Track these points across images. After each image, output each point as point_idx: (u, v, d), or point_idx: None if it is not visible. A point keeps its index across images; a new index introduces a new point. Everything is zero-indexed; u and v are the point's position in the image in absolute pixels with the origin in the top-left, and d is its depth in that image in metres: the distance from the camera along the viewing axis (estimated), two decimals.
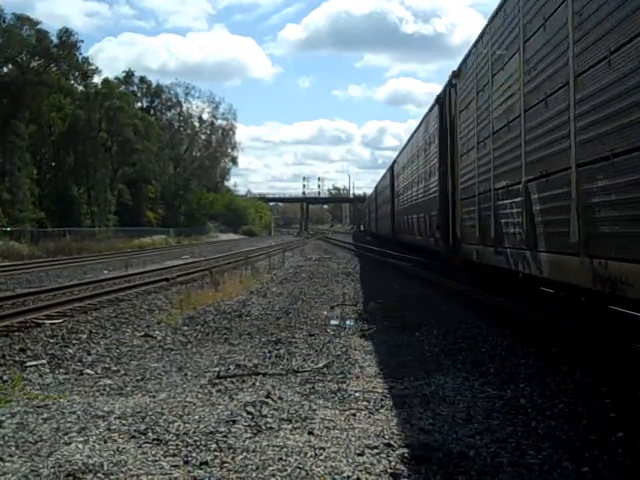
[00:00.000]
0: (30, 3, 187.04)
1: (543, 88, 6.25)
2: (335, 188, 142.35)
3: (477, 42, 9.64)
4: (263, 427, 4.47)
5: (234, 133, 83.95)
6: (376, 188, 44.33)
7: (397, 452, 3.96)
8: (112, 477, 3.63)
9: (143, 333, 8.86)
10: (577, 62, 5.29)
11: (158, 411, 4.89)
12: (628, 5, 4.37)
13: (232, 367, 6.55)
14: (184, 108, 77.98)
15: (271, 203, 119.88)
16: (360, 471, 3.66)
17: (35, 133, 46.42)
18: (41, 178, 47.71)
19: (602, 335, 6.38)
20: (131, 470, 3.71)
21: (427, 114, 16.43)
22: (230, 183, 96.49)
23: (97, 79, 54.67)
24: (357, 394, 5.36)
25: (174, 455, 3.97)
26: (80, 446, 4.10)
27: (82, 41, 55.81)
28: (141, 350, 7.73)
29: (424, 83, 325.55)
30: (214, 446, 4.09)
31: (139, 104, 68.93)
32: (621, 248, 4.54)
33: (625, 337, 6.15)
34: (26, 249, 31.76)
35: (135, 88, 69.93)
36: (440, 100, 13.69)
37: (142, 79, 72.14)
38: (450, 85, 12.15)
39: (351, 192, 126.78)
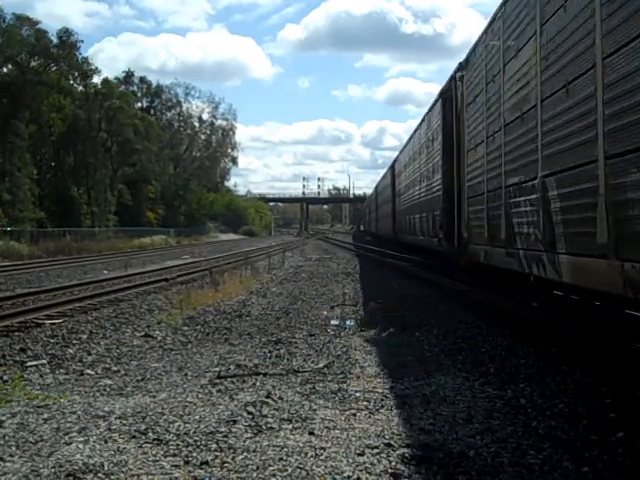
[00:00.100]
0: (30, 3, 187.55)
1: (564, 74, 5.68)
2: (335, 188, 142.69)
3: (487, 29, 9.05)
4: (263, 427, 4.48)
5: (234, 133, 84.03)
6: (376, 188, 44.28)
7: (397, 452, 3.96)
8: (112, 477, 3.63)
9: (143, 333, 8.86)
10: (606, 42, 4.72)
11: (158, 411, 4.89)
12: None
13: (232, 367, 6.55)
14: (184, 108, 78.09)
15: (271, 203, 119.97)
16: (360, 471, 3.66)
17: (35, 133, 46.40)
18: (41, 178, 47.66)
19: (602, 335, 6.37)
20: (131, 470, 3.71)
21: (430, 110, 15.97)
22: (230, 183, 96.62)
23: (97, 79, 54.73)
24: (357, 394, 5.37)
25: (174, 455, 3.97)
26: (80, 446, 4.10)
27: (82, 41, 55.85)
28: (141, 350, 7.74)
29: (424, 83, 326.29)
30: (214, 446, 4.09)
31: (139, 104, 68.95)
32: None
33: (625, 337, 6.13)
34: (26, 249, 31.75)
35: (135, 88, 69.95)
36: (444, 94, 13.15)
37: (142, 79, 72.24)
38: (455, 78, 11.61)
39: (351, 192, 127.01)
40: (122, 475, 3.65)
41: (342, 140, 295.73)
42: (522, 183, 7.17)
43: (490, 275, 9.94)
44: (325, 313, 10.60)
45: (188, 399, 5.29)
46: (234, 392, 5.52)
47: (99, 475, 3.64)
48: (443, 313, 10.12)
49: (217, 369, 6.45)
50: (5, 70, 44.64)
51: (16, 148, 41.91)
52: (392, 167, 29.08)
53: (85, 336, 8.64)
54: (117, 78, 64.88)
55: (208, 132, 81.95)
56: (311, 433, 4.34)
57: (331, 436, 4.28)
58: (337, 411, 4.89)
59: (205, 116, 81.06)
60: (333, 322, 9.60)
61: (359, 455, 3.92)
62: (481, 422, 4.56)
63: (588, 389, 5.26)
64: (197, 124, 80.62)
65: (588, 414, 4.62)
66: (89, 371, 6.64)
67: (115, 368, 6.76)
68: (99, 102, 51.88)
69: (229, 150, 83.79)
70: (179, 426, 4.52)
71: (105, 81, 55.48)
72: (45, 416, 4.81)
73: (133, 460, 3.86)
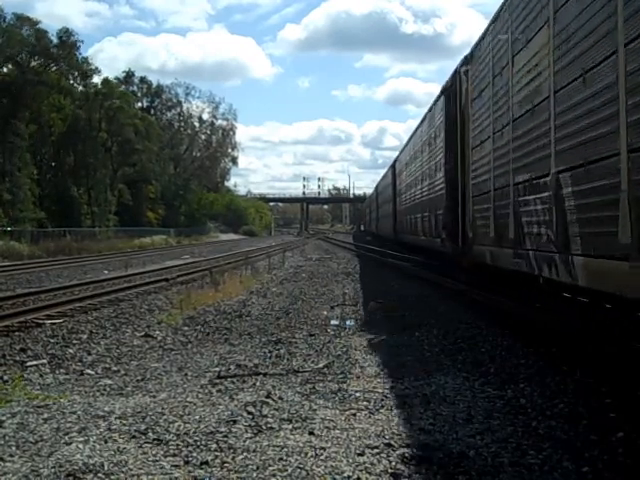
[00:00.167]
0: (30, 3, 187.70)
1: (580, 62, 5.31)
2: (335, 188, 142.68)
3: (494, 20, 8.65)
4: (263, 427, 4.48)
5: (234, 133, 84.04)
6: (377, 187, 44.18)
7: (397, 452, 3.96)
8: (112, 477, 3.63)
9: (143, 333, 8.86)
10: (628, 26, 4.36)
11: (158, 411, 4.90)
12: None
13: (232, 367, 6.55)
14: (184, 108, 78.14)
15: (271, 203, 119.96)
16: (360, 471, 3.66)
17: (35, 133, 46.41)
18: (41, 178, 47.67)
19: (602, 335, 6.36)
20: (131, 470, 3.71)
21: (432, 107, 15.60)
22: (230, 183, 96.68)
23: (97, 79, 54.77)
24: (357, 394, 5.37)
25: (174, 455, 3.97)
26: (80, 446, 4.10)
27: (82, 41, 55.83)
28: (141, 350, 7.74)
29: (424, 83, 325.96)
30: (214, 446, 4.10)
31: (139, 104, 68.94)
32: None
33: (625, 337, 6.12)
34: (26, 249, 31.76)
35: (135, 88, 69.96)
36: (447, 90, 12.73)
37: (142, 79, 72.24)
38: (460, 73, 11.13)
39: (351, 192, 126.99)
40: (122, 475, 3.65)
41: (342, 140, 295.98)
42: (533, 180, 6.76)
43: (494, 276, 9.72)
44: (325, 313, 10.60)
45: (188, 399, 5.29)
46: (234, 392, 5.52)
47: (99, 475, 3.64)
48: (443, 313, 10.13)
49: (217, 369, 6.45)
50: (5, 70, 44.66)
51: (16, 148, 41.92)
52: (393, 166, 28.87)
53: (85, 336, 8.64)
54: (117, 78, 64.97)
55: (208, 132, 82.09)
56: (311, 433, 4.34)
57: (331, 436, 4.28)
58: (337, 411, 4.89)
59: (205, 116, 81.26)
60: (333, 322, 9.60)
61: (359, 455, 3.92)
62: (481, 422, 4.56)
63: (588, 389, 5.26)
64: (197, 124, 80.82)
65: (588, 414, 4.62)
66: (89, 371, 6.64)
67: (115, 368, 6.77)
68: (99, 102, 51.88)
69: (229, 150, 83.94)
70: (179, 426, 4.52)
71: (105, 81, 55.50)
72: (45, 416, 4.81)
73: (133, 460, 3.86)
